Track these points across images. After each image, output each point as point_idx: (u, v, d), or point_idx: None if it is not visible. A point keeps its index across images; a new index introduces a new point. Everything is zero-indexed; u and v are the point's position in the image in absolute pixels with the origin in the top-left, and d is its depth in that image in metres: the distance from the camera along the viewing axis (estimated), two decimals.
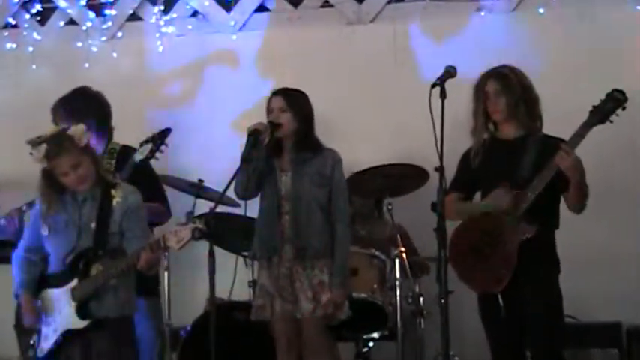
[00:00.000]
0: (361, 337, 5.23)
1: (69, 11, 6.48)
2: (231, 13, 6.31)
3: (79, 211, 4.07)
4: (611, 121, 4.09)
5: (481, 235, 4.21)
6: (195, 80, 6.31)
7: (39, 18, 6.53)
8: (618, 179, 5.58)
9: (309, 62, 6.05)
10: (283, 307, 4.46)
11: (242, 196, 4.54)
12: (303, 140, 4.55)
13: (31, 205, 4.56)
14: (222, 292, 4.90)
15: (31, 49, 6.47)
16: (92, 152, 4.13)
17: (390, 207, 5.31)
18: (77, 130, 4.05)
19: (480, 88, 4.29)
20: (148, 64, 6.40)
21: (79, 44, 6.43)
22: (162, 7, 6.34)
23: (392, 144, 5.87)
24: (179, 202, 5.12)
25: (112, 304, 4.03)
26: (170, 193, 4.99)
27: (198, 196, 5.32)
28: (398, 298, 5.04)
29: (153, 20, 6.37)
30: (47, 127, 4.22)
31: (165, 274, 5.22)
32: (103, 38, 6.43)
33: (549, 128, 4.30)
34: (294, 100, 4.57)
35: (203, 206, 5.07)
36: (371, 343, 5.30)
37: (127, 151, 4.74)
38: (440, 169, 3.81)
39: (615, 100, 4.08)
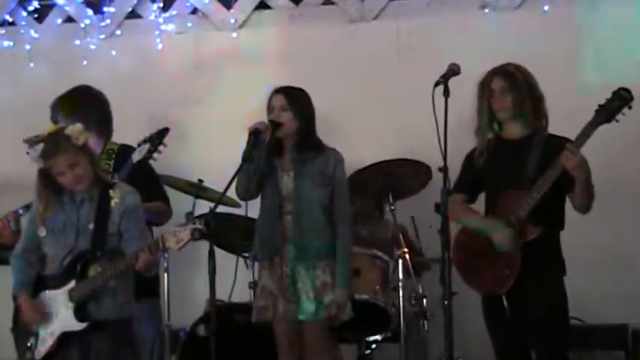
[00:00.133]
0: (363, 339, 5.21)
1: (67, 8, 6.47)
2: (232, 10, 6.30)
3: (76, 212, 4.05)
4: (617, 120, 4.08)
5: (485, 236, 4.19)
6: (195, 78, 6.29)
7: (36, 15, 6.51)
8: (624, 179, 5.56)
9: (311, 60, 6.04)
10: (286, 308, 4.45)
11: (243, 196, 4.53)
12: (304, 139, 4.55)
13: (27, 207, 4.56)
14: (222, 294, 4.89)
15: (28, 47, 6.46)
16: (90, 152, 4.11)
17: (392, 207, 5.32)
18: (75, 129, 4.03)
19: (485, 86, 4.29)
20: (147, 62, 6.38)
21: (77, 42, 6.42)
22: (161, 5, 6.33)
23: (395, 143, 5.86)
24: (178, 203, 5.09)
25: (111, 306, 4.02)
26: (169, 193, 4.98)
27: (197, 196, 5.33)
28: (401, 299, 5.02)
29: (152, 18, 6.36)
30: (45, 126, 4.20)
31: (165, 275, 5.22)
32: (102, 36, 6.42)
33: (554, 127, 4.28)
34: (295, 99, 4.57)
35: (203, 206, 5.06)
36: (373, 345, 5.29)
37: (125, 150, 4.74)
38: (444, 169, 3.79)
39: (621, 99, 4.07)
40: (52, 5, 6.49)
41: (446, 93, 3.80)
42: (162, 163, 4.76)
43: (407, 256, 5.09)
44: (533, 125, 4.24)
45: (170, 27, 6.34)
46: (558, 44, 5.78)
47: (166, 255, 5.02)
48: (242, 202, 4.58)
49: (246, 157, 4.36)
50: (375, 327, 5.08)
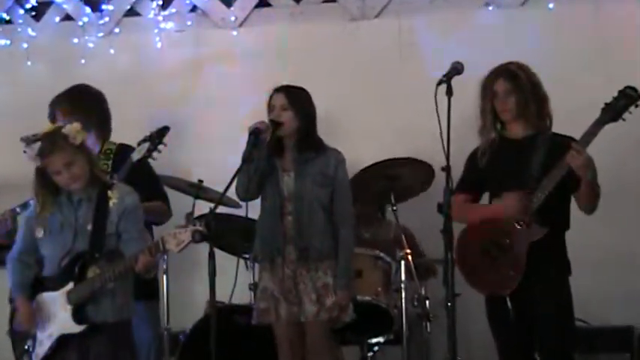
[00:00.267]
0: (365, 341, 5.19)
1: (64, 6, 6.43)
2: (232, 8, 6.27)
3: (74, 213, 4.04)
4: (623, 119, 4.06)
5: (489, 236, 4.18)
6: (195, 77, 6.26)
7: (34, 13, 6.47)
8: (631, 179, 5.53)
9: (312, 59, 6.01)
10: (289, 311, 4.43)
11: (243, 197, 4.50)
12: (305, 139, 4.53)
13: (24, 206, 4.56)
14: (222, 296, 4.82)
15: (25, 45, 6.42)
16: (87, 151, 4.10)
17: (394, 208, 5.29)
18: (72, 128, 4.02)
19: (488, 87, 4.26)
20: (146, 61, 6.35)
21: (75, 40, 6.38)
22: (160, 2, 6.30)
23: (397, 143, 5.83)
24: (178, 203, 5.07)
25: (110, 308, 4.00)
26: (169, 193, 4.97)
27: (197, 197, 5.30)
28: (403, 301, 5.00)
29: (151, 15, 6.33)
30: (43, 126, 4.19)
31: (164, 276, 5.21)
32: (100, 34, 6.38)
33: (558, 126, 4.27)
34: (296, 98, 4.55)
35: (203, 207, 5.03)
36: (376, 348, 5.27)
37: (124, 149, 4.74)
38: (446, 169, 3.76)
39: (628, 98, 4.05)
40: (50, 3, 6.45)
41: (449, 92, 3.77)
42: (162, 163, 4.76)
43: (409, 257, 5.06)
44: (537, 125, 4.22)
45: (169, 25, 6.31)
46: (563, 42, 5.76)
47: (165, 256, 5.00)
48: (242, 203, 4.56)
49: (246, 158, 4.34)
50: (378, 329, 5.07)
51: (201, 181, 5.32)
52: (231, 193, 4.40)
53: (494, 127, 4.27)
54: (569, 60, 5.69)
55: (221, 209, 4.31)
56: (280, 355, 4.52)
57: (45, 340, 4.03)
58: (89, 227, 4.00)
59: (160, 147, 4.65)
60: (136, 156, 4.58)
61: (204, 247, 3.97)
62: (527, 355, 4.19)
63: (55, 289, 4.01)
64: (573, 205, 4.21)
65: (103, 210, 4.01)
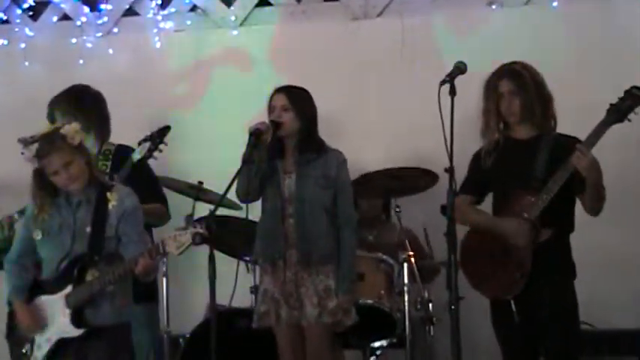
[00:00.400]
0: (368, 345, 5.18)
1: (62, 6, 6.43)
2: (232, 7, 6.26)
3: (73, 215, 4.02)
4: (629, 120, 4.05)
5: (494, 239, 4.16)
6: (195, 77, 6.26)
7: (31, 13, 6.48)
8: (636, 180, 5.50)
9: (313, 58, 6.01)
10: (289, 314, 4.42)
11: (244, 198, 4.49)
12: (306, 140, 4.52)
13: (22, 212, 4.50)
14: (222, 299, 4.83)
15: (23, 45, 6.42)
16: (86, 152, 4.08)
17: (398, 210, 5.28)
18: (71, 128, 4.00)
19: (492, 88, 4.24)
20: (145, 61, 6.34)
21: (74, 40, 6.39)
22: (159, 2, 6.30)
23: (399, 143, 5.83)
24: (178, 205, 5.08)
25: (109, 312, 3.99)
26: (169, 195, 4.96)
27: (197, 199, 5.29)
28: (406, 304, 4.99)
29: (150, 15, 6.33)
30: (41, 127, 4.16)
31: (164, 279, 5.21)
32: (99, 34, 6.38)
33: (563, 126, 4.25)
34: (297, 98, 4.53)
35: (202, 209, 5.04)
36: (378, 351, 5.25)
37: (123, 150, 4.73)
38: (450, 170, 3.72)
39: (634, 98, 4.03)
40: (48, 2, 6.45)
41: (452, 92, 3.74)
42: (161, 164, 4.76)
43: (412, 259, 5.05)
44: (542, 126, 4.20)
45: (169, 25, 6.30)
46: (567, 42, 5.75)
47: (165, 259, 4.99)
48: (243, 205, 4.53)
49: (247, 159, 4.33)
50: (380, 332, 5.05)
51: (201, 183, 5.31)
52: (232, 194, 4.37)
53: (498, 127, 4.24)
54: (573, 60, 5.68)
55: (221, 211, 4.31)
56: (281, 358, 4.49)
57: (43, 344, 4.00)
58: (88, 229, 3.98)
59: (161, 146, 4.65)
60: (136, 156, 4.58)
61: (204, 250, 3.93)
62: (532, 358, 4.16)
63: (53, 292, 3.99)
64: (578, 207, 4.18)
65: (102, 212, 3.99)
